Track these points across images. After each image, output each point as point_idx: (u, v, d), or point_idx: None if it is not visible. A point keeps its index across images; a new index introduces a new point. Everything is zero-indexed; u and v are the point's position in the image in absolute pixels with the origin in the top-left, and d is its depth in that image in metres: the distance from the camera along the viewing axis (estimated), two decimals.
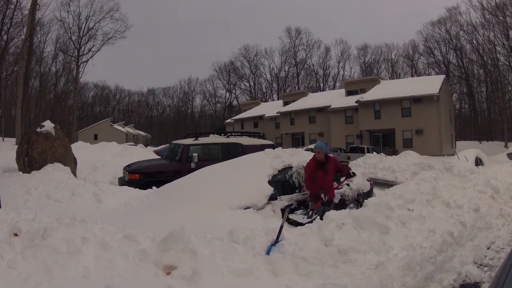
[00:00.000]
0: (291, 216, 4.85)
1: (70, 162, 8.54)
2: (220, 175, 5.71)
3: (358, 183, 6.25)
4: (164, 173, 7.98)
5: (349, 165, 16.74)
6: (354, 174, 5.75)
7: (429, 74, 47.22)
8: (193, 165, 7.94)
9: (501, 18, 34.65)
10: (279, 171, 5.50)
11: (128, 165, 8.66)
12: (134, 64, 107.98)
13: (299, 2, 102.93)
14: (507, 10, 33.59)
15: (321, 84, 66.09)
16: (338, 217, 4.14)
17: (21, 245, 2.90)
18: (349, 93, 33.91)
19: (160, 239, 3.16)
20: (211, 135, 9.71)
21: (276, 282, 3.00)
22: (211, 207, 4.79)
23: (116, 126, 56.34)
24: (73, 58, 36.89)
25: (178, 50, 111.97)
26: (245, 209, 4.86)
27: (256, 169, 5.49)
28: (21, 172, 7.73)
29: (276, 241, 3.43)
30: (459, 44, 45.73)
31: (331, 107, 32.30)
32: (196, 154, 8.07)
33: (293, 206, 4.71)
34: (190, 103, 78.56)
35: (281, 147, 6.74)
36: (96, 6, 36.23)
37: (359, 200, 5.97)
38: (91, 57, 36.69)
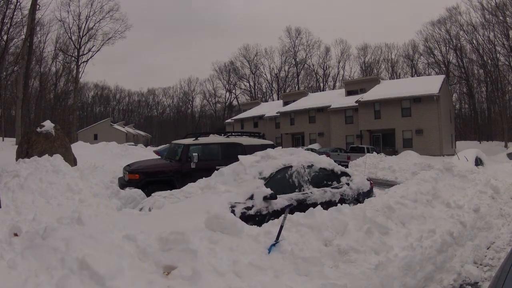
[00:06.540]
0: None
1: (70, 162, 8.54)
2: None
3: (358, 182, 6.25)
4: (164, 173, 7.99)
5: (349, 165, 16.72)
6: None
7: (429, 74, 47.16)
8: (193, 165, 7.96)
9: (501, 18, 34.60)
10: (278, 170, 5.49)
11: (128, 165, 8.64)
12: (134, 64, 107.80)
13: (299, 2, 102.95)
14: (507, 10, 33.55)
15: (321, 84, 66.07)
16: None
17: (21, 245, 2.90)
18: (349, 93, 33.87)
19: (160, 239, 3.16)
20: (211, 135, 9.70)
21: (276, 282, 2.99)
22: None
23: (116, 126, 56.29)
24: (73, 58, 36.77)
25: (178, 49, 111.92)
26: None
27: None
28: None
29: (276, 241, 3.43)
30: (459, 44, 45.68)
31: (331, 107, 32.27)
32: (196, 154, 8.08)
33: (293, 206, 4.71)
34: (190, 103, 78.58)
35: (281, 147, 6.74)
36: (96, 6, 35.90)
37: (359, 199, 5.96)
38: (91, 57, 36.53)
